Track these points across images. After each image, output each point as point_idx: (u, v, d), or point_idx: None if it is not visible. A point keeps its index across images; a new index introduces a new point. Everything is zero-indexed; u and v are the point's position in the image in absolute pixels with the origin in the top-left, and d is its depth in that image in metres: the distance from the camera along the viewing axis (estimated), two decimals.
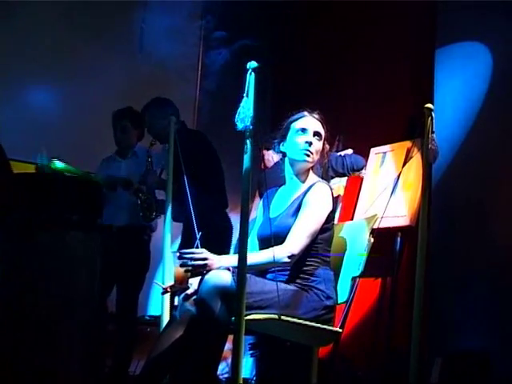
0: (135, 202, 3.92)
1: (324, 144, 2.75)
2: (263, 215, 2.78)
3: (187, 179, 3.48)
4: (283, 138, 2.75)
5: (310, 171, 2.75)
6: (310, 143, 2.68)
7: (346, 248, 2.77)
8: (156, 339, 2.52)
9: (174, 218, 3.52)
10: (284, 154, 2.76)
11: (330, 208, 2.65)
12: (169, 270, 2.92)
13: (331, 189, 2.69)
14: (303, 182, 2.73)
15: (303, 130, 2.70)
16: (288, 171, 2.76)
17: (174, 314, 2.54)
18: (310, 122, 2.72)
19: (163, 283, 2.85)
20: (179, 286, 2.53)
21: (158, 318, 3.06)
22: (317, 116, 2.75)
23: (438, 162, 2.72)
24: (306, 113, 2.75)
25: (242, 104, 2.18)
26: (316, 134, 2.71)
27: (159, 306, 2.98)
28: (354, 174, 3.93)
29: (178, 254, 2.48)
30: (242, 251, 2.19)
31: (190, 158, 3.61)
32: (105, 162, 4.20)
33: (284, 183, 2.80)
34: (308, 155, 2.68)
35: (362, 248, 2.71)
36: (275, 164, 3.92)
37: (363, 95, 4.66)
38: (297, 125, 2.72)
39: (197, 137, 3.91)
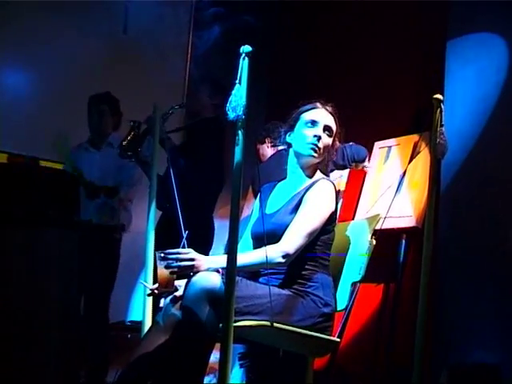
0: (103, 200, 3.96)
1: (334, 141, 2.75)
2: (259, 211, 2.78)
3: (188, 171, 3.52)
4: (291, 128, 2.75)
5: (315, 167, 2.75)
6: (319, 138, 2.68)
7: (345, 250, 2.78)
8: (136, 346, 2.53)
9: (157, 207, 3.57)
10: (289, 145, 2.76)
11: (332, 208, 2.65)
12: (152, 270, 2.92)
13: (335, 187, 2.70)
14: (307, 177, 2.73)
15: (313, 123, 2.70)
16: (291, 164, 2.76)
17: (157, 318, 2.54)
18: (321, 114, 2.72)
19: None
20: (165, 290, 2.53)
21: (139, 324, 3.07)
22: (330, 109, 2.76)
23: (447, 158, 2.73)
24: (318, 104, 2.75)
25: (233, 91, 2.19)
26: (327, 128, 2.71)
27: (141, 310, 2.99)
28: (356, 166, 3.95)
29: (162, 255, 2.49)
30: (231, 252, 2.20)
31: (203, 151, 3.65)
32: (76, 152, 4.18)
33: (285, 177, 2.80)
34: (315, 150, 2.67)
35: (363, 251, 2.72)
36: (271, 157, 3.94)
37: (367, 86, 4.67)
38: (307, 116, 2.72)
39: (220, 133, 3.96)
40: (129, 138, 3.72)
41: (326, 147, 2.71)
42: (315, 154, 2.68)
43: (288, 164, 2.77)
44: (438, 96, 2.59)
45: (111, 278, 4.07)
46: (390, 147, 4.02)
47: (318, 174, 2.75)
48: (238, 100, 2.18)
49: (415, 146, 3.75)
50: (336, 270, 2.73)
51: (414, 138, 3.81)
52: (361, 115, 4.49)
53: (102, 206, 4.03)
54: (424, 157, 3.63)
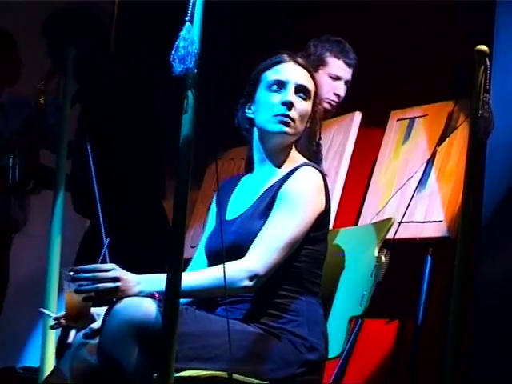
0: None
1: (315, 105, 2.79)
2: (216, 218, 2.81)
3: (101, 146, 3.54)
4: (250, 96, 2.79)
5: (293, 149, 2.78)
6: (291, 104, 2.71)
7: (339, 269, 2.81)
8: None
9: (77, 210, 3.58)
10: (252, 123, 2.79)
11: (321, 206, 2.69)
12: (56, 293, 2.94)
13: (325, 176, 2.73)
14: (279, 166, 2.77)
15: (280, 84, 2.73)
16: (257, 149, 2.80)
17: (61, 363, 2.55)
18: (290, 70, 2.75)
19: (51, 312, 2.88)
20: (75, 324, 2.55)
21: (36, 372, 3.09)
22: (302, 61, 2.79)
23: (493, 139, 2.79)
24: (285, 56, 2.78)
25: (182, 33, 2.20)
26: (300, 89, 2.74)
27: (39, 352, 3.01)
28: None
29: (71, 273, 2.49)
30: (174, 267, 2.22)
31: (112, 114, 3.67)
32: None
33: (251, 170, 2.84)
34: (287, 124, 2.70)
35: (367, 271, 2.75)
36: None
37: (383, 34, 4.68)
38: (270, 76, 2.75)
39: (133, 81, 4.01)
40: (12, 170, 3.86)
41: (302, 116, 2.74)
42: (288, 130, 2.71)
43: (253, 150, 2.81)
44: (482, 47, 2.62)
45: None
46: (412, 119, 4.05)
47: (296, 159, 2.77)
48: (187, 46, 2.18)
49: (449, 118, 3.79)
50: (324, 298, 2.75)
51: (448, 106, 3.85)
52: (373, 73, 4.52)
53: None
54: (463, 136, 3.68)
